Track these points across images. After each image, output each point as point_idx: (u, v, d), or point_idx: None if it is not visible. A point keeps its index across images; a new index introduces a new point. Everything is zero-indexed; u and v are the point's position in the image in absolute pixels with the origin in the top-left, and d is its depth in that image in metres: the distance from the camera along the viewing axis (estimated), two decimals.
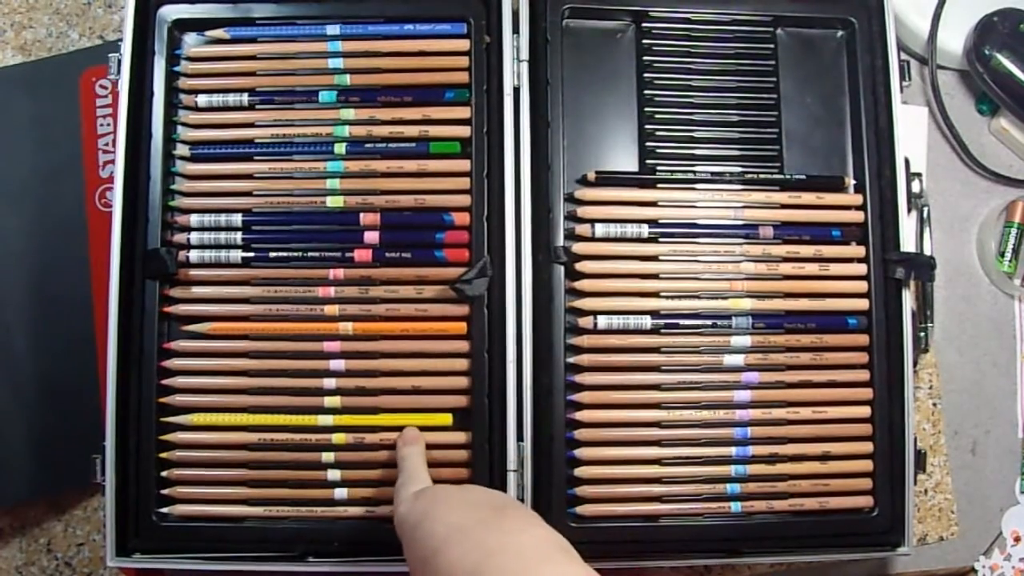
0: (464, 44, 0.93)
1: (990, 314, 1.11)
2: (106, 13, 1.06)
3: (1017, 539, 1.05)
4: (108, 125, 1.00)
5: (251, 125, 0.92)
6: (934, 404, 1.07)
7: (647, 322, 0.91)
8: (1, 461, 0.95)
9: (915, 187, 1.02)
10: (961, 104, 1.14)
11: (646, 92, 0.96)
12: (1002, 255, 1.10)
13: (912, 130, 1.09)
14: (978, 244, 1.11)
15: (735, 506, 0.91)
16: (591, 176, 0.93)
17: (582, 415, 0.91)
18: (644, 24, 0.97)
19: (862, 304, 0.94)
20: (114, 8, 1.06)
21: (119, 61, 0.90)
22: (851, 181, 0.97)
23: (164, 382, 0.90)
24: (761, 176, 0.95)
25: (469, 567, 0.61)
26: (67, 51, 1.04)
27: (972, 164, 1.11)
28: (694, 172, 0.95)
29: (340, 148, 0.92)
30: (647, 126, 0.95)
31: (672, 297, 0.92)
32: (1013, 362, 1.10)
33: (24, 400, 0.96)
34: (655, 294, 0.92)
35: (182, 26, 0.93)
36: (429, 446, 0.88)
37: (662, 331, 0.92)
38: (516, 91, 0.93)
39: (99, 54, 1.01)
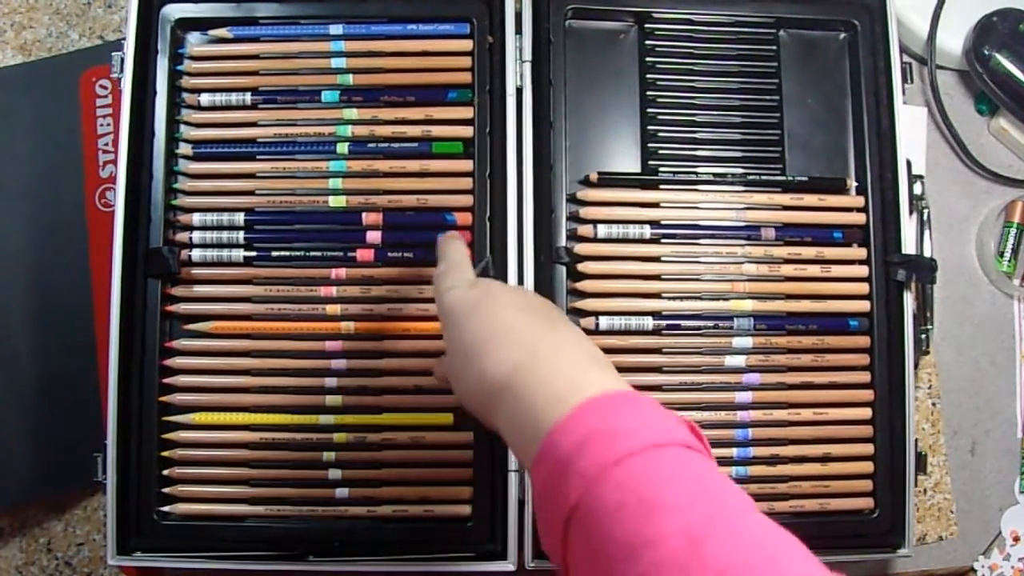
0: (467, 44, 0.93)
1: (989, 314, 1.11)
2: (106, 13, 1.05)
3: (1016, 539, 1.06)
4: (108, 125, 1.00)
5: (254, 124, 0.93)
6: (933, 404, 1.07)
7: (649, 323, 0.92)
8: (1, 461, 0.95)
9: (916, 189, 1.02)
10: (960, 104, 1.14)
11: (648, 93, 0.96)
12: (1001, 255, 1.10)
13: (911, 130, 1.09)
14: (977, 244, 1.11)
15: None
16: (593, 177, 0.94)
17: None
18: (647, 25, 0.97)
19: (863, 306, 0.94)
20: (114, 8, 1.05)
21: (122, 60, 0.90)
22: (853, 183, 0.97)
23: (166, 381, 0.90)
24: (763, 177, 0.95)
25: (516, 361, 0.61)
26: (67, 51, 1.04)
27: (971, 164, 1.11)
28: (696, 173, 0.95)
29: (343, 148, 0.92)
30: (649, 127, 0.96)
31: (674, 298, 0.93)
32: (1012, 362, 1.10)
33: (24, 400, 0.96)
34: (657, 295, 0.92)
35: (185, 25, 0.93)
36: (430, 446, 0.88)
37: (664, 332, 0.92)
38: (519, 91, 0.93)
39: (99, 54, 1.01)
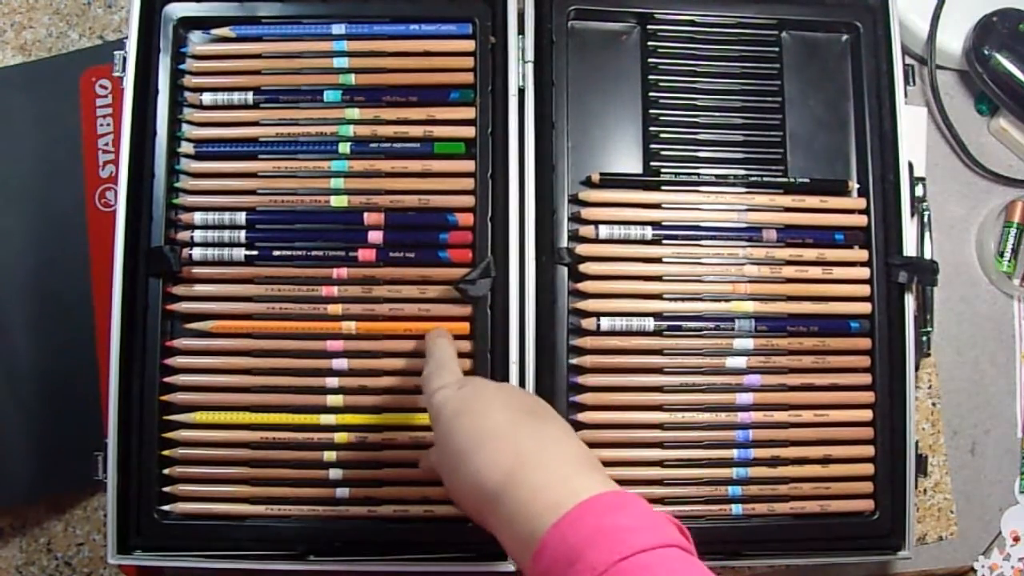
0: (469, 45, 0.93)
1: (989, 314, 1.11)
2: (106, 13, 1.05)
3: (1016, 539, 1.06)
4: (108, 125, 1.00)
5: (256, 124, 0.93)
6: (933, 404, 1.08)
7: (650, 324, 0.92)
8: (1, 461, 0.95)
9: (918, 191, 1.02)
10: (960, 104, 1.14)
11: (651, 94, 0.96)
12: (1001, 255, 1.10)
13: (911, 130, 1.09)
14: (977, 244, 1.11)
15: (736, 508, 0.92)
16: (595, 178, 0.94)
17: (584, 416, 0.91)
18: (649, 26, 0.97)
19: (864, 308, 0.94)
20: (114, 8, 1.05)
21: (124, 59, 0.90)
22: (854, 185, 0.97)
23: (166, 380, 0.90)
24: (765, 179, 0.95)
25: (506, 468, 0.63)
26: (67, 51, 1.04)
27: (971, 164, 1.12)
28: (698, 174, 0.95)
29: (344, 147, 0.92)
30: (651, 128, 0.95)
31: (675, 299, 0.93)
32: (1012, 362, 1.10)
33: (24, 400, 0.96)
34: (658, 296, 0.92)
35: (188, 24, 0.93)
36: (431, 446, 0.88)
37: (665, 333, 0.92)
38: (521, 92, 0.93)
39: (99, 54, 1.01)
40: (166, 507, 0.89)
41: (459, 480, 0.67)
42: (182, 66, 0.92)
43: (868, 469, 0.93)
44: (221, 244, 0.91)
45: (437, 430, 0.71)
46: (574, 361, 0.91)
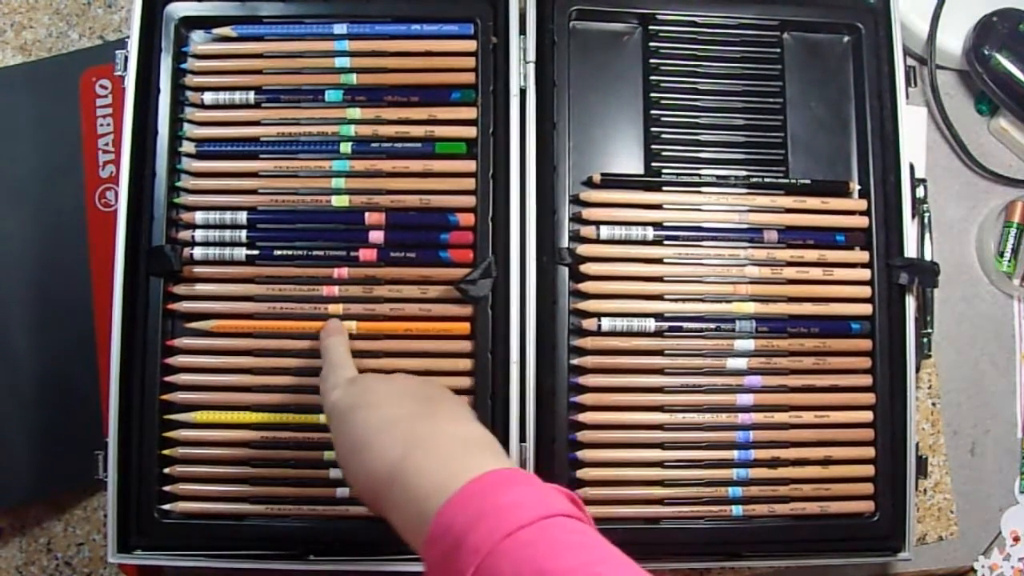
0: (471, 45, 0.93)
1: (989, 314, 1.11)
2: (106, 13, 1.05)
3: (1016, 539, 1.06)
4: (108, 125, 1.00)
5: (257, 123, 0.92)
6: (933, 404, 1.08)
7: (651, 324, 0.92)
8: (1, 461, 0.95)
9: (919, 192, 1.02)
10: (960, 104, 1.14)
11: (652, 95, 0.96)
12: (1001, 255, 1.10)
13: (911, 130, 1.08)
14: (977, 244, 1.12)
15: (736, 509, 0.92)
16: (596, 178, 0.94)
17: (585, 417, 0.91)
18: (651, 27, 0.97)
19: (865, 309, 0.94)
20: (114, 8, 1.05)
21: (126, 58, 0.90)
22: (856, 186, 0.97)
23: (167, 379, 0.90)
24: (766, 180, 0.95)
25: (396, 457, 0.63)
26: (67, 51, 1.04)
27: (971, 164, 1.12)
28: (699, 175, 0.95)
29: (346, 147, 0.92)
30: (653, 128, 0.95)
31: (676, 300, 0.92)
32: (1012, 362, 1.11)
33: (24, 400, 0.96)
34: (659, 297, 0.92)
35: (189, 23, 0.93)
36: None
37: (666, 334, 0.92)
38: (522, 92, 0.93)
39: (99, 54, 1.01)
40: (166, 506, 0.89)
41: (354, 474, 0.67)
42: (183, 65, 0.92)
43: (868, 471, 0.93)
44: (222, 244, 0.91)
45: (333, 431, 0.72)
46: (575, 361, 0.91)
